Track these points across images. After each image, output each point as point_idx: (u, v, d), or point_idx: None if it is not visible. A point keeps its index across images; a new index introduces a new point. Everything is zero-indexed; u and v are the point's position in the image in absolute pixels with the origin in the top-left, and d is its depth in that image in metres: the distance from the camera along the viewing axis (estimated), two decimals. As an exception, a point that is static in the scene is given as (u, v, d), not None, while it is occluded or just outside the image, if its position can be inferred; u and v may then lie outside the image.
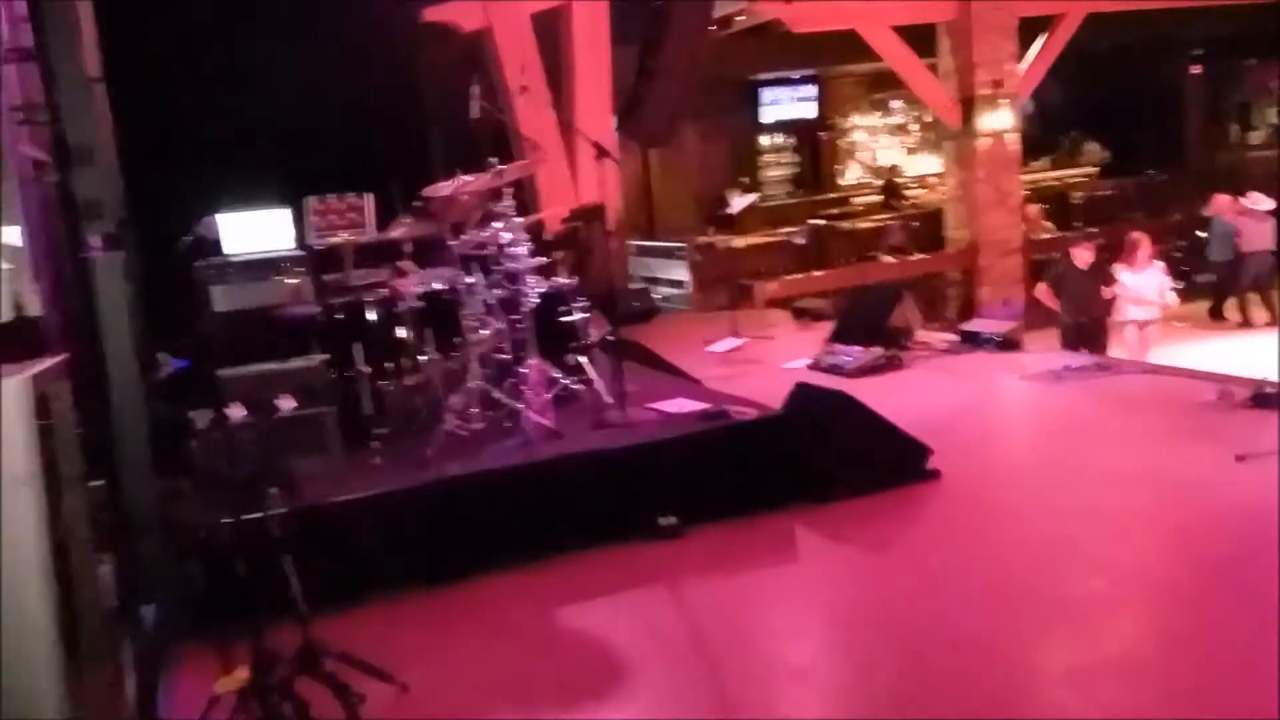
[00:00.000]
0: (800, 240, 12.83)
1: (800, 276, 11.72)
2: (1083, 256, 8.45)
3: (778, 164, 16.49)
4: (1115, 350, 8.15)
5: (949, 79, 12.42)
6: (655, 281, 11.64)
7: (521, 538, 4.34)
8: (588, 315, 5.60)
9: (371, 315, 5.08)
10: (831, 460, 4.66)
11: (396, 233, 5.50)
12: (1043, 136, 16.26)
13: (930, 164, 17.40)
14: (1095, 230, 9.98)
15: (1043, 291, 8.76)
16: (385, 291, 5.23)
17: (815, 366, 7.21)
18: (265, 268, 5.45)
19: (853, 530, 4.45)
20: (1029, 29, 12.53)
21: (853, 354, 7.10)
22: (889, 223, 13.31)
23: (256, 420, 3.92)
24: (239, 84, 6.56)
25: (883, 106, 16.89)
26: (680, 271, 11.65)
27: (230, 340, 5.11)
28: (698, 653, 3.57)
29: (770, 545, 4.38)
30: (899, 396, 6.31)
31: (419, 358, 5.09)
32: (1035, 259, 12.46)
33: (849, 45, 12.18)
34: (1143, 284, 8.36)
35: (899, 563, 4.19)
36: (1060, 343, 8.31)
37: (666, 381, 6.01)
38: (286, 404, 4.19)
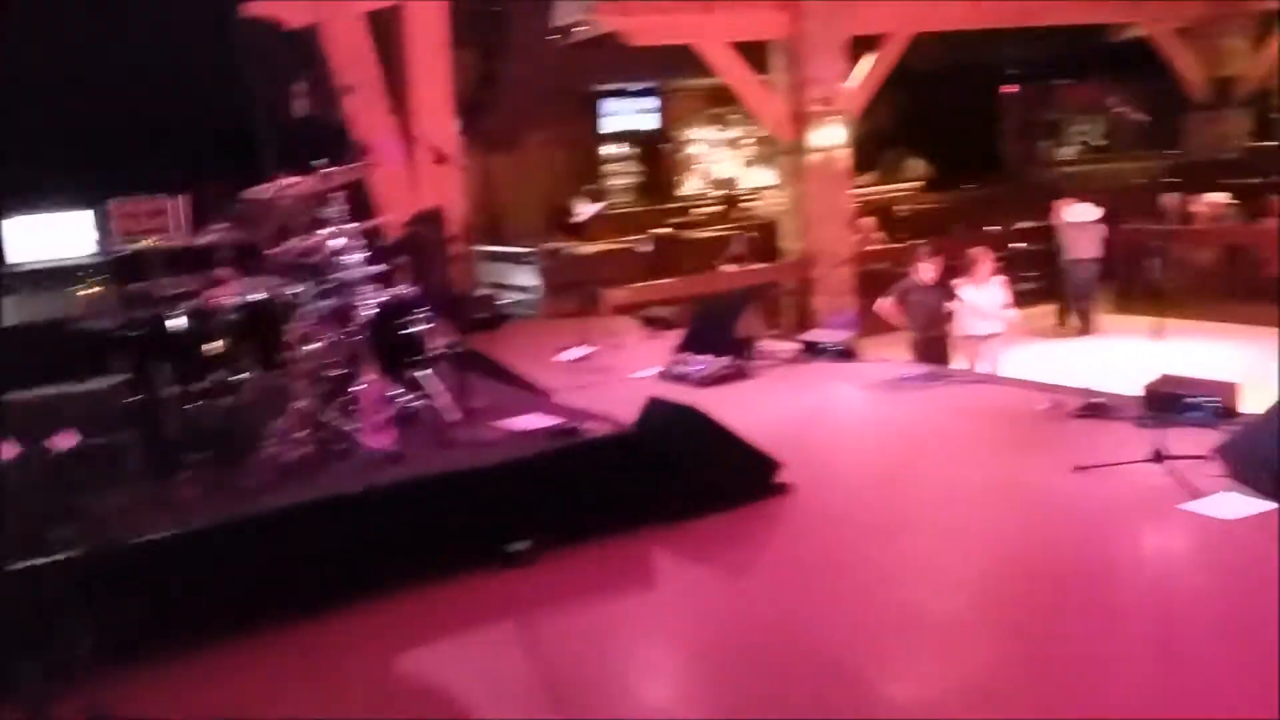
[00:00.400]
0: (646, 248, 12.62)
1: (647, 284, 11.50)
2: (927, 272, 8.31)
3: (620, 173, 16.31)
4: (959, 365, 8.06)
5: (782, 95, 12.50)
6: (503, 287, 11.20)
7: (358, 574, 3.86)
8: (429, 326, 5.14)
9: (182, 329, 4.48)
10: (685, 478, 4.36)
11: (211, 238, 4.92)
12: (869, 153, 16.63)
13: (766, 177, 17.61)
14: (928, 243, 10.01)
15: (887, 308, 8.53)
16: (199, 303, 4.65)
17: (665, 375, 6.95)
18: (57, 277, 4.76)
19: (708, 551, 4.17)
20: (860, 48, 12.75)
21: (701, 363, 6.87)
22: (731, 233, 13.26)
23: (29, 459, 3.31)
24: (34, 76, 5.79)
25: (720, 120, 16.93)
26: (529, 277, 11.24)
27: (15, 359, 4.42)
28: (550, 696, 3.20)
29: (625, 570, 4.04)
30: (746, 407, 6.10)
31: (237, 376, 4.53)
32: (868, 270, 12.69)
33: (689, 60, 12.11)
34: (984, 299, 8.33)
35: (756, 586, 3.93)
36: (909, 357, 8.17)
37: (515, 396, 5.62)
38: (65, 440, 3.58)
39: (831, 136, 12.45)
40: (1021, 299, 13.05)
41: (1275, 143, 14.24)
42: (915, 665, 3.22)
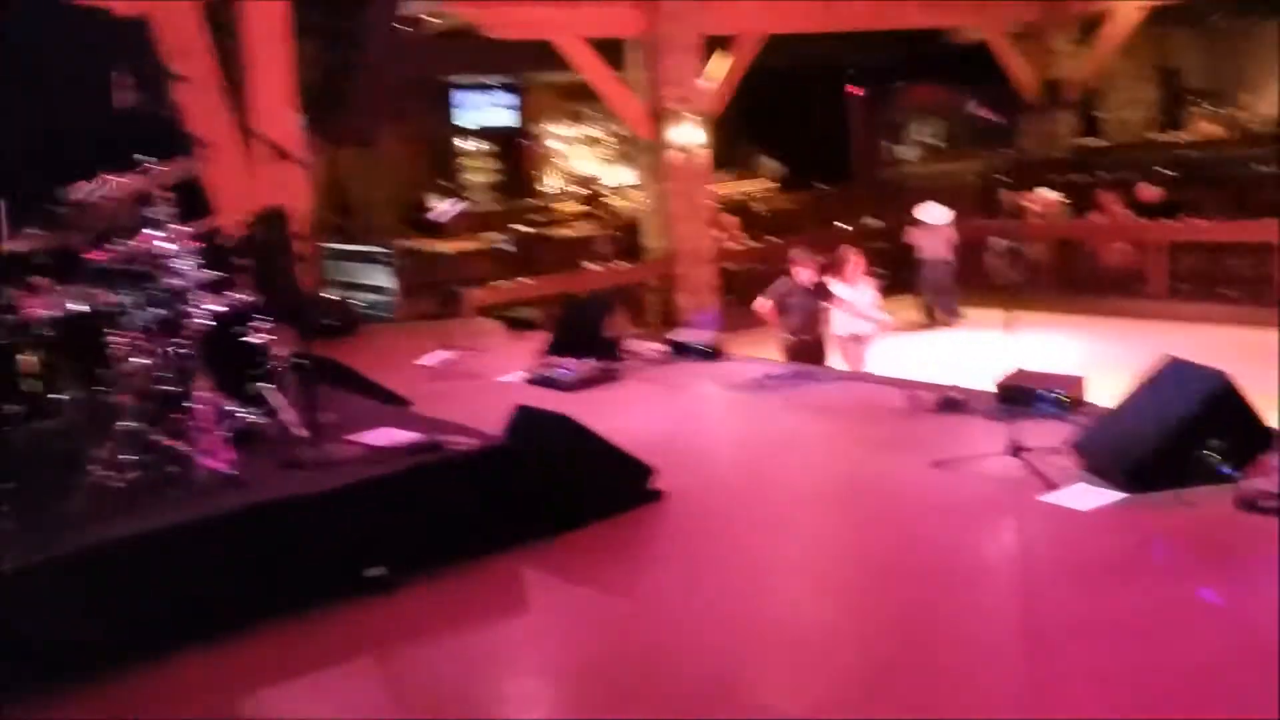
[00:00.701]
0: (508, 247, 12.26)
1: (509, 284, 11.17)
2: (805, 274, 8.10)
3: (479, 169, 15.87)
4: (834, 364, 7.99)
5: (640, 93, 12.36)
6: (356, 289, 10.66)
7: (197, 612, 3.44)
8: (271, 334, 4.69)
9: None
10: (557, 491, 4.09)
11: (24, 243, 4.36)
12: (724, 152, 16.70)
13: (627, 175, 17.48)
14: (804, 244, 9.82)
15: (765, 309, 8.27)
16: (11, 315, 4.09)
17: (531, 379, 6.65)
18: None
19: (582, 568, 3.91)
20: (715, 48, 12.71)
21: (569, 366, 6.59)
22: (595, 232, 13.05)
23: None
24: None
25: (581, 117, 16.69)
26: (384, 278, 10.73)
27: None
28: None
29: (496, 594, 3.74)
30: (616, 410, 5.88)
31: (56, 395, 4.00)
32: (730, 268, 12.70)
33: (548, 55, 11.82)
34: (857, 298, 8.25)
35: (633, 603, 3.69)
36: (784, 359, 7.92)
37: (371, 408, 5.20)
38: None
39: (690, 135, 12.37)
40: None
41: (1099, 141, 14.94)
42: (795, 674, 3.08)
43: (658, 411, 5.85)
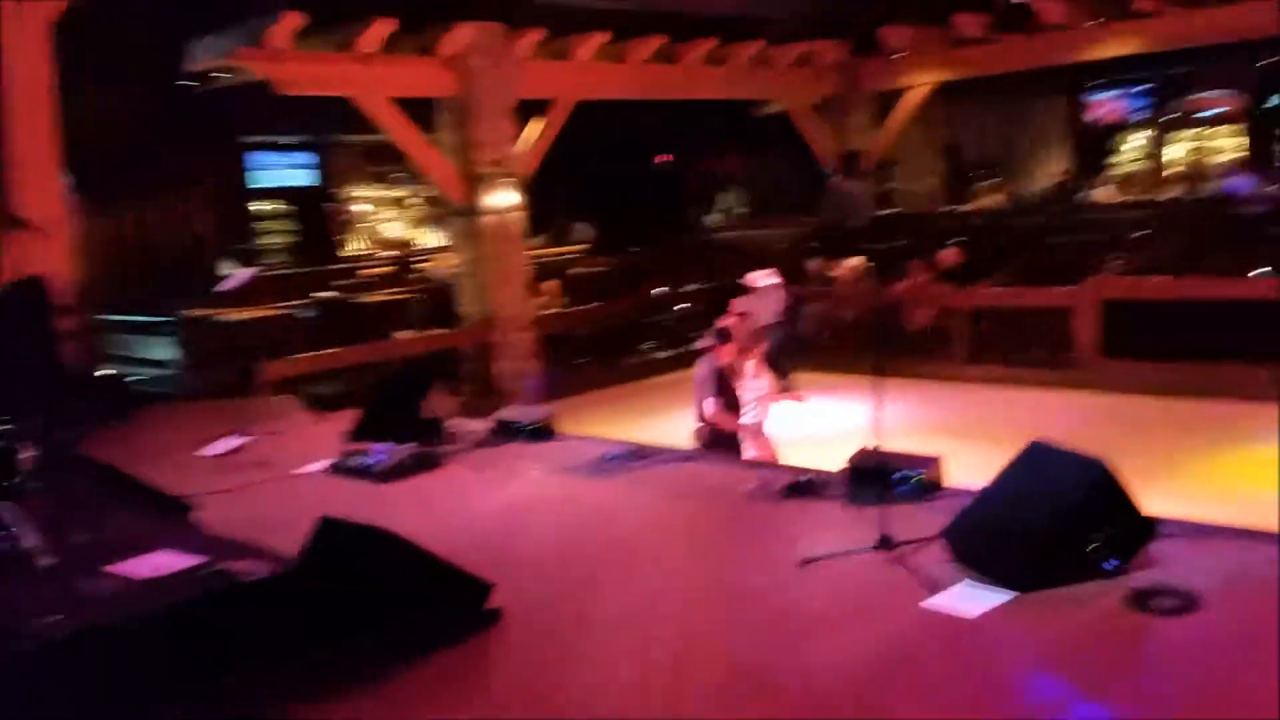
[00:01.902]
0: (308, 314, 11.25)
1: (311, 356, 10.16)
2: (726, 355, 7.06)
3: (275, 232, 14.74)
4: (748, 452, 7.01)
5: (452, 156, 11.79)
6: (137, 363, 9.45)
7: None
8: (15, 429, 3.77)
9: None
10: (373, 623, 3.37)
11: None
12: (536, 217, 16.30)
13: (435, 238, 16.74)
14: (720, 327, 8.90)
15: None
16: None
17: (338, 469, 5.84)
18: None
19: (404, 713, 3.21)
20: (529, 112, 12.33)
21: (381, 452, 5.82)
22: (406, 297, 12.23)
23: None
24: None
25: (386, 178, 15.87)
26: (166, 350, 9.57)
27: None
28: None
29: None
30: (438, 504, 5.19)
31: None
32: (551, 334, 12.19)
33: (352, 114, 11.06)
34: (758, 383, 7.39)
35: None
36: (703, 446, 6.90)
37: (141, 520, 4.30)
38: None
39: (505, 198, 11.86)
40: (692, 357, 13.21)
41: (893, 210, 15.47)
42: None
43: (487, 503, 5.18)
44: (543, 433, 6.26)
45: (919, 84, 14.47)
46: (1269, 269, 10.17)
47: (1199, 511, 4.21)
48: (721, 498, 4.92)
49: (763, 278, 10.86)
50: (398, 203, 16.13)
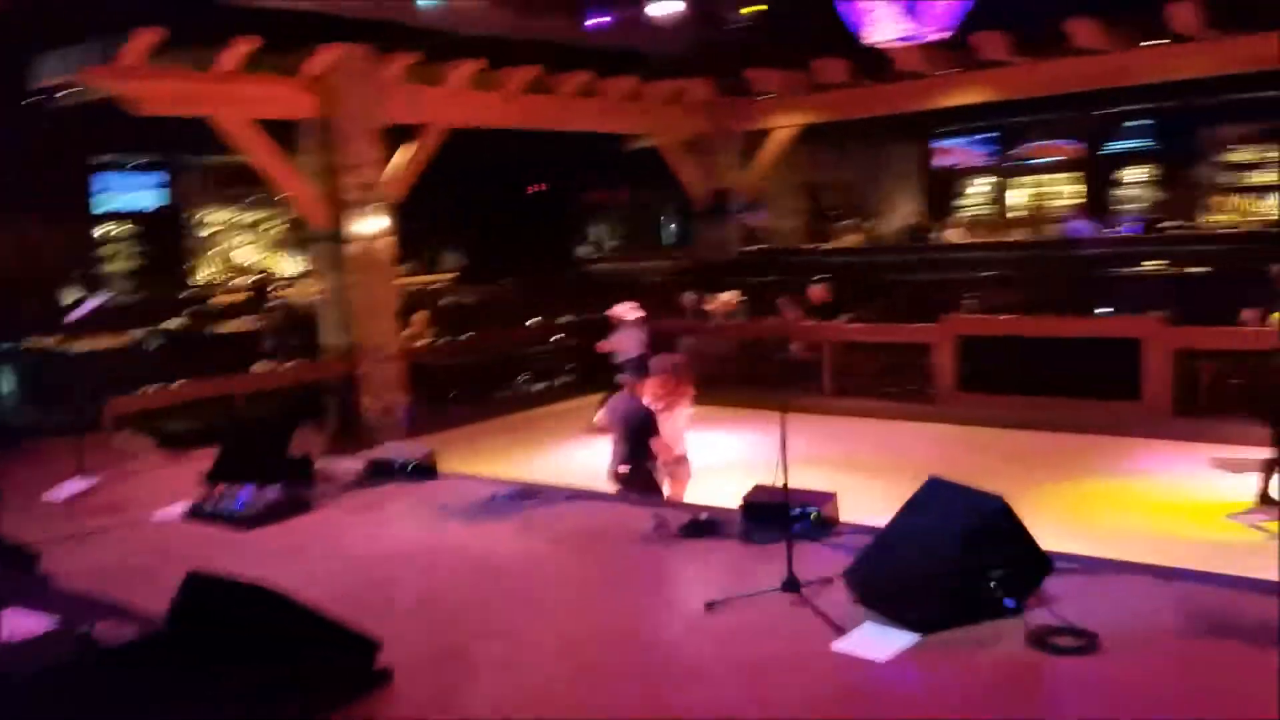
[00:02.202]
0: (157, 345, 10.56)
1: (160, 390, 9.51)
2: (649, 392, 6.62)
3: (123, 257, 13.85)
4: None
5: (317, 180, 11.34)
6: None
7: None
8: None
9: None
10: (249, 689, 3.08)
11: None
12: (406, 244, 15.89)
13: (294, 264, 16.08)
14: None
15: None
16: None
17: (199, 513, 5.43)
18: None
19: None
20: (400, 138, 12.01)
21: (244, 495, 5.44)
22: (262, 326, 11.64)
23: None
24: None
25: (243, 201, 15.18)
26: (5, 383, 8.80)
27: None
28: None
29: None
30: (314, 553, 4.86)
31: None
32: (418, 365, 11.81)
33: (206, 134, 10.50)
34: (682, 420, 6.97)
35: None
36: (627, 488, 6.29)
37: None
38: None
39: (372, 224, 11.47)
40: (566, 390, 13.08)
41: (760, 246, 15.78)
42: None
43: (366, 549, 4.88)
44: (423, 471, 5.98)
45: (784, 125, 14.83)
46: (1111, 309, 10.81)
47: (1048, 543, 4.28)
48: (619, 540, 4.78)
49: (628, 311, 10.83)
50: (253, 227, 15.43)
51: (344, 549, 4.86)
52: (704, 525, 4.63)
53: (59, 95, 9.64)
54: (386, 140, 11.70)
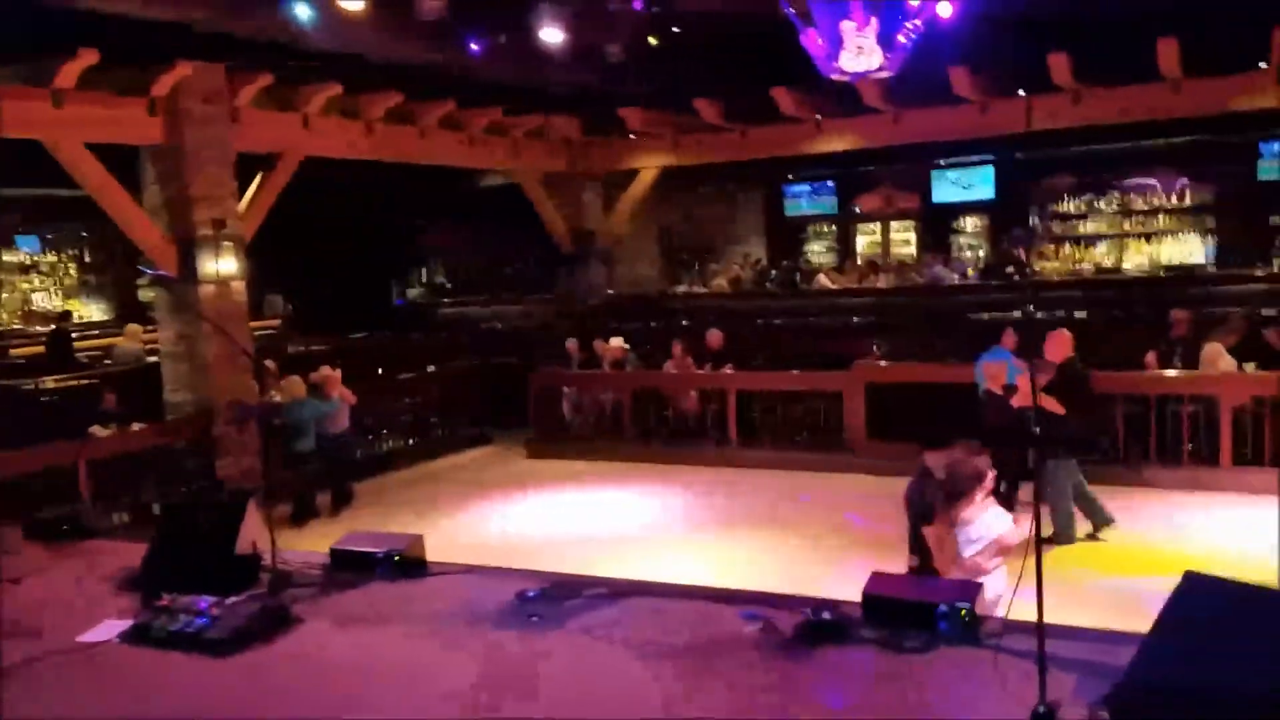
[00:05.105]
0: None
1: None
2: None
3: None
4: None
5: (160, 213, 9.90)
6: None
7: None
8: None
9: None
10: None
11: None
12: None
13: (100, 310, 14.04)
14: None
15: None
16: None
17: (145, 636, 4.14)
18: None
19: None
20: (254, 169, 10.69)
21: (206, 609, 4.22)
22: (94, 384, 9.91)
23: None
24: None
25: (41, 238, 13.09)
26: None
27: None
28: None
29: None
30: (323, 695, 3.74)
31: None
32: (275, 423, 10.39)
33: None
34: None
35: None
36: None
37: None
38: None
39: (226, 264, 10.09)
40: (433, 448, 11.97)
41: (628, 291, 15.32)
42: None
43: (386, 685, 3.79)
44: (411, 566, 4.92)
45: (647, 166, 14.46)
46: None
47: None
48: (718, 649, 3.80)
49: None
50: (53, 268, 13.34)
51: (353, 690, 3.76)
52: (828, 628, 3.84)
53: None
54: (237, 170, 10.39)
